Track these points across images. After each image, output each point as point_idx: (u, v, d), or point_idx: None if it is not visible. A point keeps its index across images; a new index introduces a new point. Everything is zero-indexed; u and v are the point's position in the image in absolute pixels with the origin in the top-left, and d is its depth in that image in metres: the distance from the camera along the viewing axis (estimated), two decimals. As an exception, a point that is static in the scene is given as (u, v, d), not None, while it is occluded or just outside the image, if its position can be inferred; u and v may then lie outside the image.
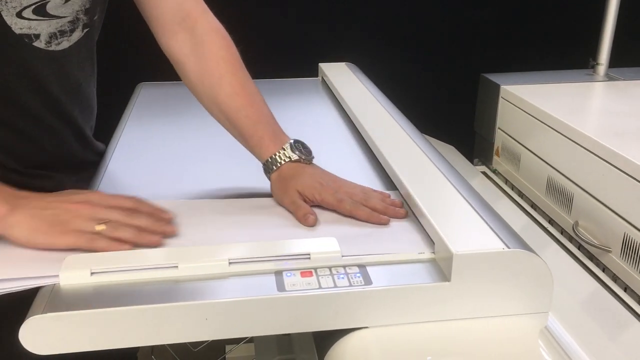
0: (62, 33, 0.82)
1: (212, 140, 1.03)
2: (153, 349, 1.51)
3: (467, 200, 0.76)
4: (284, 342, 1.32)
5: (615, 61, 1.38)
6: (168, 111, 1.25)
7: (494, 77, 1.34)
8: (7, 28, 0.77)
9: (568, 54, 1.49)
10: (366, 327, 0.64)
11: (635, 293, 0.88)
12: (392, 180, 0.87)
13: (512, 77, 1.34)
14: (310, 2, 1.77)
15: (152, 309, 0.60)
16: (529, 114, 1.18)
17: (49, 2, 0.79)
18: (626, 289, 0.90)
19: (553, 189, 1.10)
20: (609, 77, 1.37)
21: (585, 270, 0.94)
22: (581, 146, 1.01)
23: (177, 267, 0.65)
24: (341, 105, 1.24)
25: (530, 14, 1.89)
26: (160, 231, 0.72)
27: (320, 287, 0.63)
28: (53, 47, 0.83)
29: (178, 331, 0.61)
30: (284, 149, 0.84)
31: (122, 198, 0.76)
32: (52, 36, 0.82)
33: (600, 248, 0.95)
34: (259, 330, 0.63)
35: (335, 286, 0.63)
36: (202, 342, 0.92)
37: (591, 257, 0.98)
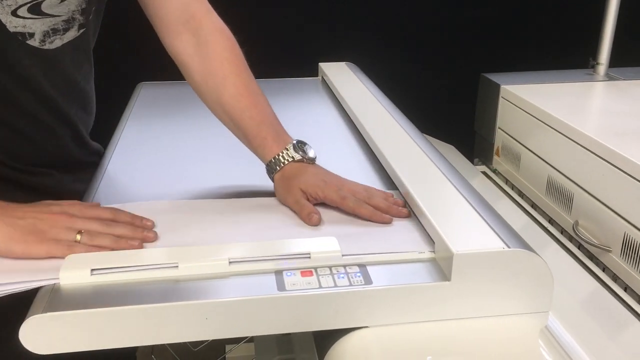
0: (55, 31, 0.82)
1: (212, 140, 1.03)
2: (153, 349, 1.51)
3: (467, 200, 0.76)
4: (284, 342, 1.32)
5: (616, 61, 1.38)
6: (168, 111, 1.25)
7: (494, 77, 1.34)
8: (2, 26, 0.77)
9: (568, 53, 1.49)
10: (366, 327, 0.64)
11: (635, 293, 0.88)
12: (392, 180, 0.87)
13: (512, 76, 1.34)
14: (310, 2, 1.77)
15: (152, 309, 0.60)
16: (529, 114, 1.18)
17: (44, 0, 0.79)
18: (626, 288, 0.90)
19: (553, 188, 1.10)
20: (609, 77, 1.36)
21: (585, 270, 0.94)
22: (581, 146, 1.01)
23: (177, 266, 0.65)
24: (341, 105, 1.24)
25: (530, 14, 1.89)
26: (139, 237, 0.71)
27: (320, 287, 0.63)
28: (47, 46, 0.82)
29: (178, 331, 0.61)
30: (287, 149, 0.84)
31: (100, 209, 0.75)
32: (46, 34, 0.81)
33: (601, 248, 0.95)
34: (259, 330, 0.63)
35: (336, 286, 0.63)
36: (202, 342, 0.93)
37: (591, 257, 0.98)
